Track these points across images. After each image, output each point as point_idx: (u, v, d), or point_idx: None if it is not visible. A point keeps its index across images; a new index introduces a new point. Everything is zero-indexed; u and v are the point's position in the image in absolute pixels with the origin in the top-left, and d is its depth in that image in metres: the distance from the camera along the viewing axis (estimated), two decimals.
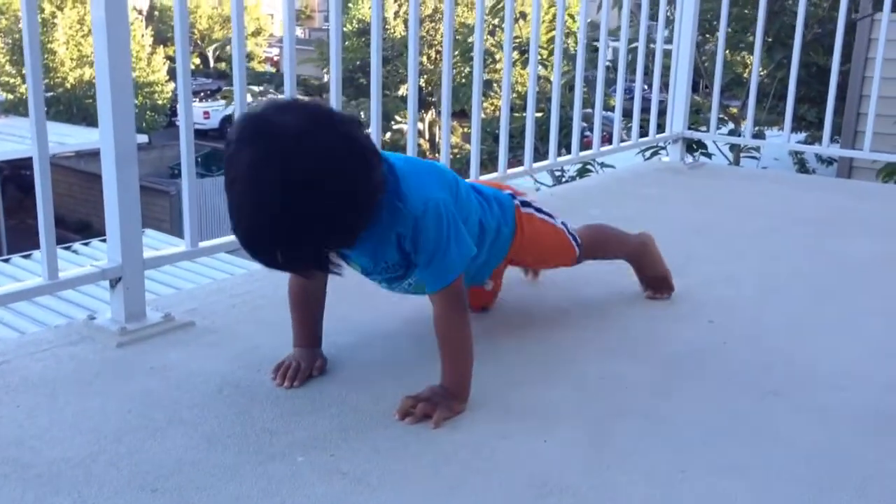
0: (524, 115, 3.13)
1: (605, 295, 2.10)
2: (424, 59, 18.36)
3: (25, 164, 14.18)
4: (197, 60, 26.80)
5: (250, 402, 1.55)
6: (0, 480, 1.31)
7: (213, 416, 1.50)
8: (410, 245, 1.54)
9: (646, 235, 2.12)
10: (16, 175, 15.16)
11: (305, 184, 1.34)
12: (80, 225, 14.32)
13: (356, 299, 1.93)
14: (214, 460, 1.37)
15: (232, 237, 2.12)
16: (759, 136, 5.77)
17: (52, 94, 18.48)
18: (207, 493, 1.28)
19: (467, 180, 1.83)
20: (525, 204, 1.85)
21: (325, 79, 19.75)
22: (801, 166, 8.09)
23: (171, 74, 21.08)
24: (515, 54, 6.27)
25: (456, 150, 9.50)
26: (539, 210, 1.88)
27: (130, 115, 1.79)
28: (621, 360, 1.78)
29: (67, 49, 19.35)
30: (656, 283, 2.10)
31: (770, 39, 5.63)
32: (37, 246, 1.80)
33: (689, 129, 3.77)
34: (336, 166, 1.37)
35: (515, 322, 1.94)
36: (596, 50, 3.58)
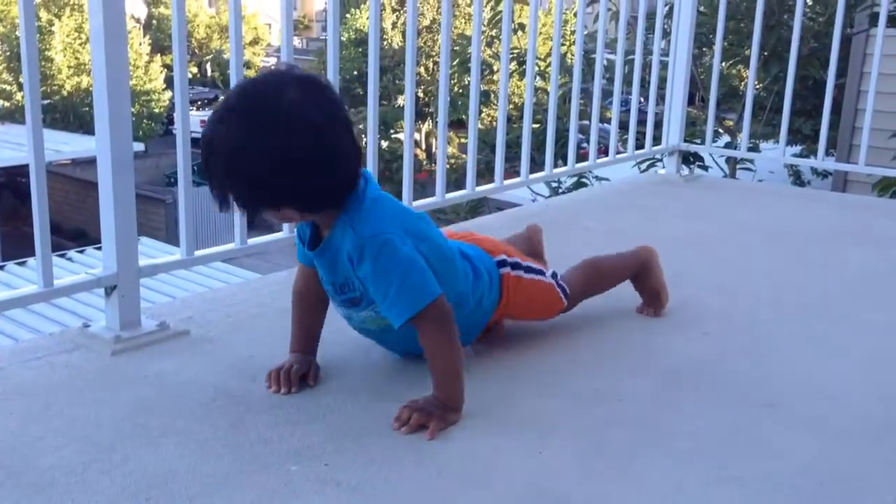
0: (520, 125, 3.13)
1: (600, 306, 2.09)
2: (422, 69, 18.40)
3: (21, 171, 14.17)
4: (194, 69, 26.84)
5: (245, 411, 1.55)
6: None
7: (208, 425, 1.49)
8: (359, 273, 1.53)
9: (646, 252, 2.08)
10: (11, 182, 15.16)
11: (276, 126, 1.41)
12: (75, 233, 14.30)
13: None
14: (208, 469, 1.36)
15: (228, 246, 2.15)
16: (754, 149, 5.79)
17: (48, 101, 18.48)
18: (201, 502, 1.28)
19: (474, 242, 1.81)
20: (516, 266, 1.81)
21: None
22: (797, 179, 8.11)
23: (169, 83, 21.11)
24: (513, 65, 6.28)
25: (452, 161, 9.52)
26: (529, 269, 1.83)
27: (127, 122, 1.79)
28: (617, 371, 1.78)
29: (65, 57, 19.37)
30: (650, 297, 2.09)
31: (766, 53, 5.66)
32: (32, 253, 1.80)
33: (685, 141, 3.78)
34: (315, 130, 1.43)
35: (510, 333, 1.93)
36: (593, 62, 3.60)
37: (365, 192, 1.54)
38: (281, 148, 1.41)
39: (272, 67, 1.55)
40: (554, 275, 1.91)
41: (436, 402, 1.53)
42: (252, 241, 2.15)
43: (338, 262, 1.56)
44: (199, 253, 2.04)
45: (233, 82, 2.07)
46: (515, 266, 1.82)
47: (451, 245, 1.70)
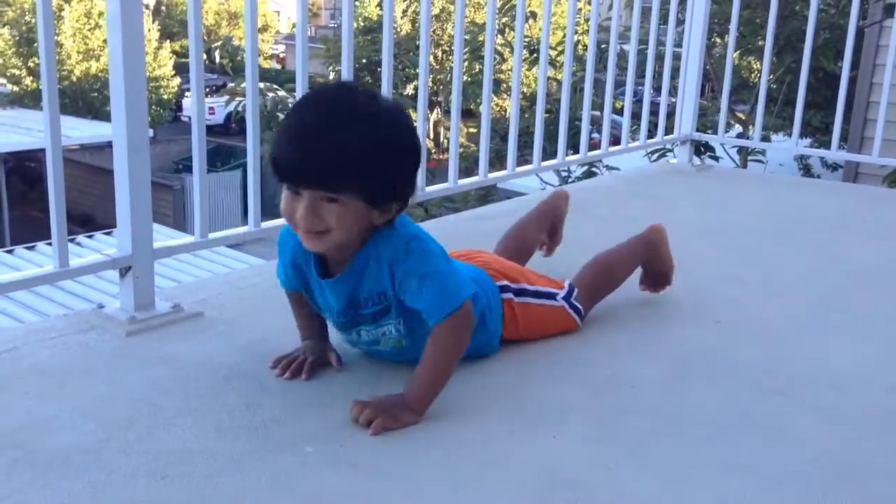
0: (530, 114, 3.13)
1: (612, 294, 2.10)
2: (431, 58, 18.37)
3: (30, 156, 14.22)
4: (203, 56, 26.81)
5: (259, 392, 1.55)
6: (9, 465, 1.31)
7: (222, 406, 1.50)
8: (402, 270, 1.49)
9: (655, 233, 2.06)
10: (20, 167, 15.19)
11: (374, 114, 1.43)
12: (83, 218, 14.34)
13: None
14: (223, 450, 1.37)
15: (241, 229, 2.15)
16: (766, 139, 5.77)
17: (58, 86, 18.47)
18: (216, 482, 1.29)
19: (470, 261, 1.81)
20: (521, 292, 1.77)
21: (332, 76, 19.74)
22: (807, 171, 8.08)
23: (177, 69, 21.08)
24: (524, 54, 6.26)
25: (461, 150, 9.48)
26: (537, 294, 1.80)
27: (143, 105, 1.80)
28: (629, 359, 1.78)
29: (74, 42, 19.35)
30: (656, 277, 2.08)
31: (780, 44, 5.63)
32: (39, 237, 1.82)
33: (698, 131, 3.77)
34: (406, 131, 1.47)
35: None
36: (606, 51, 3.59)
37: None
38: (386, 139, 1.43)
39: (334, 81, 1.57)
40: (568, 293, 1.85)
41: (398, 400, 1.48)
42: (266, 224, 2.15)
43: (366, 275, 1.52)
44: (213, 235, 2.05)
45: (248, 69, 2.08)
46: (520, 293, 1.77)
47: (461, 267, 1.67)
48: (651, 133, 3.71)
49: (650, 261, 2.07)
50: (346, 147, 1.39)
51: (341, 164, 1.40)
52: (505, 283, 1.76)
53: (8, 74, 19.28)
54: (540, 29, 3.11)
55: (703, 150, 4.96)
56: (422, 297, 1.49)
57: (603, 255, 2.01)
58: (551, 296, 1.83)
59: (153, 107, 19.84)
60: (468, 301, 1.51)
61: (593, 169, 5.57)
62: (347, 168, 1.40)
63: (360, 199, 1.43)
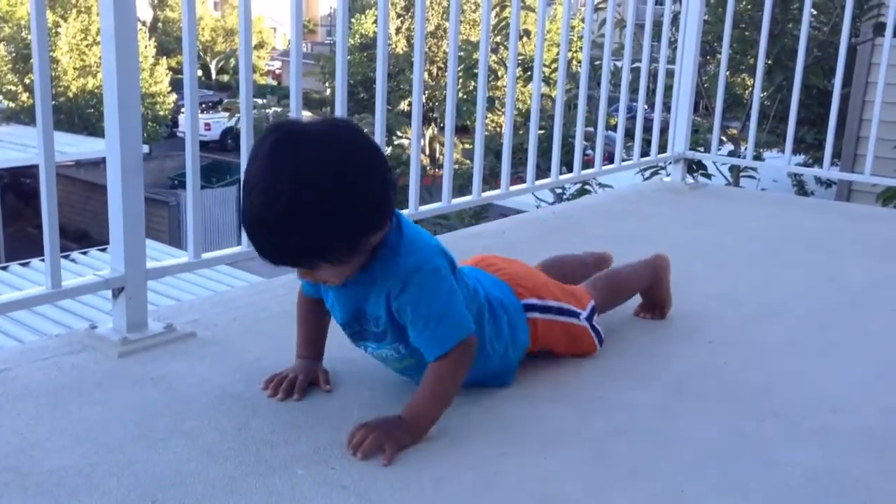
0: (524, 131, 3.13)
1: (604, 314, 2.10)
2: (426, 75, 18.41)
3: (25, 172, 14.20)
4: (199, 72, 26.86)
5: (251, 414, 1.55)
6: (0, 488, 1.30)
7: (214, 428, 1.50)
8: (398, 304, 1.49)
9: (661, 260, 2.08)
10: (15, 183, 15.18)
11: (313, 176, 1.36)
12: (78, 234, 14.33)
13: None
14: (215, 472, 1.37)
15: (234, 249, 2.15)
16: (758, 157, 5.80)
17: (54, 103, 18.39)
18: None
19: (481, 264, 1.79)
20: (546, 310, 1.76)
21: (327, 92, 19.79)
22: (800, 188, 8.11)
23: (174, 86, 21.14)
24: (517, 71, 6.29)
25: (456, 167, 9.51)
26: (560, 311, 1.79)
27: (137, 124, 1.79)
28: (621, 380, 1.78)
29: (70, 59, 19.39)
30: (654, 305, 2.10)
31: (770, 62, 5.66)
32: (34, 254, 1.81)
33: (691, 149, 3.78)
34: (347, 170, 1.39)
35: None
36: (600, 68, 3.60)
37: (401, 225, 1.51)
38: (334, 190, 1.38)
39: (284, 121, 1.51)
40: (590, 314, 1.85)
41: (397, 422, 1.47)
42: None
43: (370, 295, 1.52)
44: (206, 255, 2.05)
45: (242, 86, 2.09)
46: (545, 310, 1.76)
47: (475, 286, 1.64)
48: (644, 151, 3.72)
49: (651, 287, 2.08)
50: (294, 239, 1.39)
51: (298, 253, 1.42)
52: (532, 301, 1.75)
53: (4, 91, 19.31)
54: (534, 46, 3.13)
55: (694, 167, 4.97)
56: (416, 334, 1.50)
57: (613, 272, 2.04)
58: (575, 314, 1.82)
59: (149, 123, 19.89)
60: (465, 339, 1.50)
61: (586, 187, 5.58)
62: (306, 252, 1.42)
63: (335, 262, 1.44)
